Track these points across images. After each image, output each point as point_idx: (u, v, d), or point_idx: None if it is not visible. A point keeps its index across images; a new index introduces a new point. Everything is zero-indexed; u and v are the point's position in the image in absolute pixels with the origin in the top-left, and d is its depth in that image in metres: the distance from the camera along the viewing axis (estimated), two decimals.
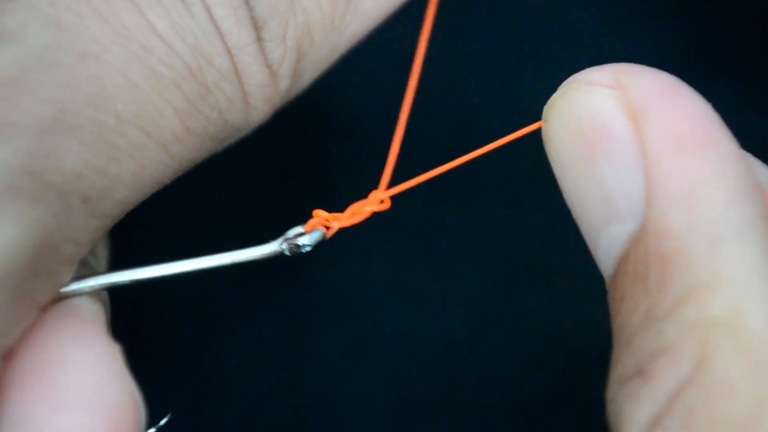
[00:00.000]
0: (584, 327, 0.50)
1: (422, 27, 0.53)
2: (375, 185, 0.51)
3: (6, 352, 0.25)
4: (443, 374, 0.51)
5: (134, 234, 0.46)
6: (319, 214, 0.30)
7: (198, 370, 0.48)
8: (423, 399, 0.50)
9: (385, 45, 0.52)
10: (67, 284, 0.27)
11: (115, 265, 0.30)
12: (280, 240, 0.29)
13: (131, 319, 0.34)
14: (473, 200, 0.51)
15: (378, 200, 0.30)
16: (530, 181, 0.51)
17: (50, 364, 0.25)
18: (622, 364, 0.25)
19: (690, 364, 0.23)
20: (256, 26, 0.27)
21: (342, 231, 0.31)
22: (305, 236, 0.29)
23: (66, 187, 0.24)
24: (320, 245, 0.30)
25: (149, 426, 0.30)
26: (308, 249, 0.29)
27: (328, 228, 0.30)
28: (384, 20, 0.33)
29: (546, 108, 0.27)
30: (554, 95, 0.27)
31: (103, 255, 0.31)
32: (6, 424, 0.24)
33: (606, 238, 0.26)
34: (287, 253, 0.29)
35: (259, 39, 0.27)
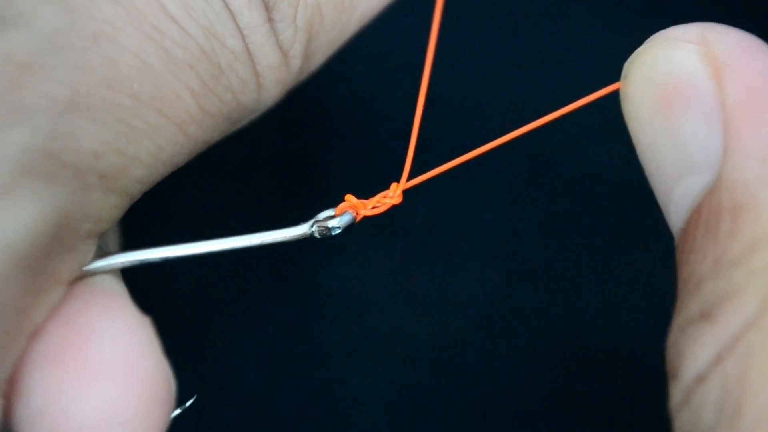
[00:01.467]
0: (584, 327, 0.50)
1: (422, 27, 0.53)
2: (376, 182, 0.51)
3: (34, 329, 0.25)
4: (443, 374, 0.51)
5: (140, 230, 0.46)
6: (350, 199, 0.30)
7: (198, 370, 0.48)
8: (423, 399, 0.50)
9: (385, 45, 0.52)
10: (89, 262, 0.27)
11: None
12: (310, 222, 0.30)
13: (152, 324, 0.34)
14: (473, 200, 0.51)
15: (399, 193, 0.30)
16: (530, 181, 0.51)
17: (83, 336, 0.25)
18: (686, 309, 0.25)
19: (755, 307, 0.23)
20: (267, 7, 0.27)
21: (354, 225, 0.31)
22: (335, 219, 0.30)
23: (84, 166, 0.24)
24: (349, 229, 0.30)
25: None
26: (338, 231, 0.30)
27: (357, 213, 0.30)
28: (390, 5, 0.33)
29: (627, 65, 0.27)
30: (636, 51, 0.27)
31: (113, 243, 0.31)
32: (39, 396, 0.25)
33: (680, 191, 0.26)
34: (317, 235, 0.29)
35: (270, 20, 0.28)
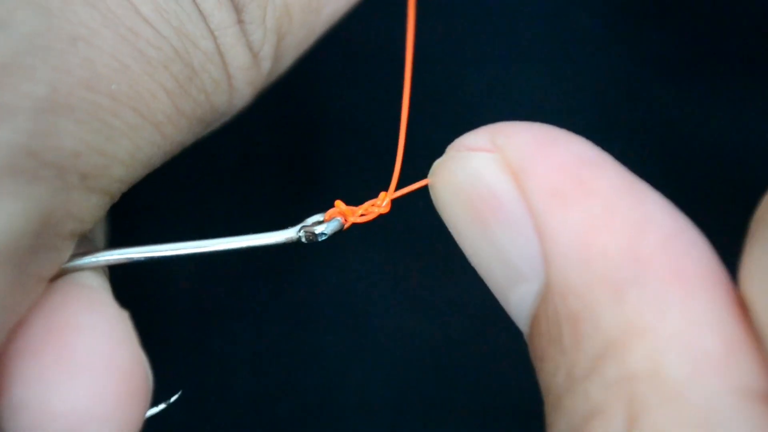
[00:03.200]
0: None
1: (423, 27, 0.53)
2: (374, 183, 0.51)
3: (14, 326, 0.25)
4: (443, 374, 0.51)
5: (138, 230, 0.46)
6: (340, 205, 0.30)
7: (198, 370, 0.48)
8: (423, 399, 0.50)
9: (384, 45, 0.52)
10: (71, 259, 0.27)
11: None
12: (298, 227, 0.30)
13: (130, 318, 0.34)
14: None
15: (387, 202, 0.30)
16: None
17: (62, 329, 0.26)
18: (556, 427, 0.24)
19: (622, 425, 0.22)
20: (237, 8, 0.28)
21: (342, 232, 0.31)
22: (323, 225, 0.30)
23: (65, 165, 0.25)
24: (336, 235, 0.30)
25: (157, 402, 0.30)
26: (324, 237, 0.29)
27: (345, 219, 0.30)
28: (361, 3, 0.33)
29: (430, 175, 0.27)
30: (436, 162, 0.27)
31: (100, 241, 0.31)
32: (20, 389, 0.25)
33: (514, 299, 0.26)
34: (303, 240, 0.29)
35: (240, 21, 0.28)
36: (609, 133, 0.49)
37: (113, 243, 0.34)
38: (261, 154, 0.52)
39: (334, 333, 0.51)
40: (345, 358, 0.50)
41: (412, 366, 0.51)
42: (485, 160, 0.25)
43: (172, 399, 0.32)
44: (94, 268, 0.28)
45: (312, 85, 0.52)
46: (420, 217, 0.51)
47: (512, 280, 0.25)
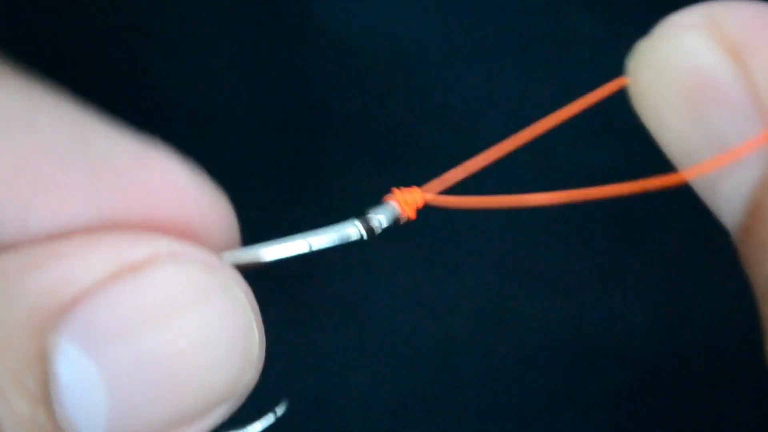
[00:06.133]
0: (584, 327, 0.50)
1: (422, 27, 0.53)
2: (374, 183, 0.51)
3: None
4: (443, 374, 0.51)
5: None
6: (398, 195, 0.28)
7: None
8: (423, 399, 0.50)
9: (384, 45, 0.52)
10: None
11: None
12: (358, 223, 0.28)
13: None
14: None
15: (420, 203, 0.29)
16: (530, 181, 0.51)
17: None
18: None
19: None
20: None
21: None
22: (381, 216, 0.28)
23: None
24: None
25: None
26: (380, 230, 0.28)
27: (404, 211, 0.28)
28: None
29: (632, 61, 0.24)
30: (641, 45, 0.24)
31: None
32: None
33: (728, 187, 0.23)
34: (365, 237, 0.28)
35: None
36: (609, 133, 0.49)
37: None
38: (261, 154, 0.52)
39: (334, 333, 0.51)
40: (345, 357, 0.50)
41: (412, 366, 0.51)
42: (701, 38, 0.23)
43: (279, 412, 0.30)
44: None
45: (312, 85, 0.52)
46: (420, 217, 0.51)
47: (727, 169, 0.23)
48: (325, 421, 0.50)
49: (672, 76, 0.23)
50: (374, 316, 0.51)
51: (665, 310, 0.51)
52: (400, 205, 0.27)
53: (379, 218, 0.27)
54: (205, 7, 0.52)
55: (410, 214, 0.27)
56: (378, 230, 0.27)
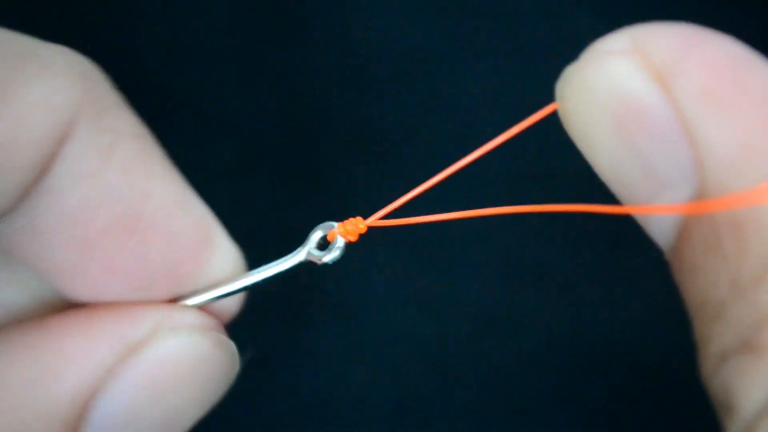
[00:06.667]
0: (584, 327, 0.51)
1: (422, 27, 0.53)
2: (374, 182, 0.51)
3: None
4: (443, 374, 0.51)
5: None
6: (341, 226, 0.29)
7: None
8: (423, 399, 0.50)
9: (384, 45, 0.52)
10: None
11: None
12: (303, 252, 0.29)
13: None
14: (474, 201, 0.51)
15: (363, 228, 0.29)
16: (530, 182, 0.51)
17: None
18: (718, 339, 0.22)
19: None
20: None
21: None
22: (328, 253, 0.29)
23: None
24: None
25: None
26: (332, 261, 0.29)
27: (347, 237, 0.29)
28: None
29: (561, 86, 0.24)
30: (567, 70, 0.24)
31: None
32: None
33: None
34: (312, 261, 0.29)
35: None
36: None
37: None
38: (261, 154, 0.52)
39: (335, 333, 0.51)
40: (345, 357, 0.50)
41: (412, 366, 0.51)
42: (626, 63, 0.23)
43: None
44: None
45: (312, 85, 0.52)
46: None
47: (657, 190, 0.23)
48: (325, 420, 0.50)
49: (599, 103, 0.23)
50: (374, 316, 0.51)
51: (665, 310, 0.51)
52: (342, 236, 0.29)
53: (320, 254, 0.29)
54: (205, 7, 0.52)
55: (353, 239, 0.28)
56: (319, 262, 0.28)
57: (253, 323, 0.50)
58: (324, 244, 0.29)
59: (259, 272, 0.28)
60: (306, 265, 0.29)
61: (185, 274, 0.26)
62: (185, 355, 0.26)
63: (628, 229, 0.53)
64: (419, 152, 0.51)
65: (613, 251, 0.51)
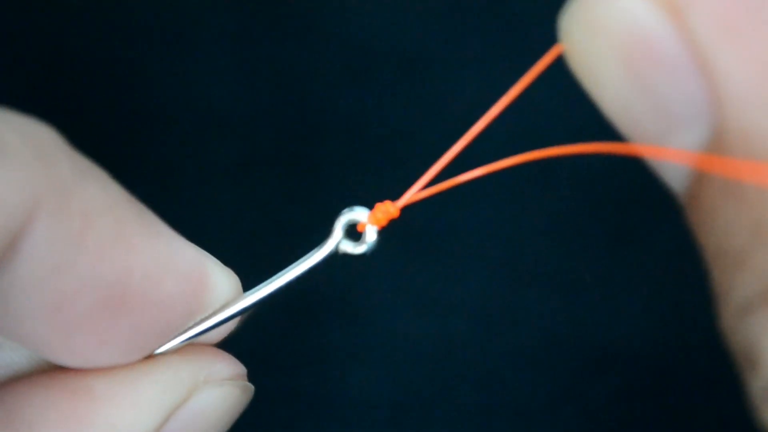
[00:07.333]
0: (584, 327, 0.51)
1: (422, 27, 0.53)
2: (375, 182, 0.51)
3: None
4: (443, 374, 0.51)
5: None
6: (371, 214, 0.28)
7: None
8: (423, 399, 0.50)
9: (384, 45, 0.52)
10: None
11: None
12: (333, 245, 0.28)
13: None
14: (474, 201, 0.51)
15: (395, 212, 0.28)
16: (530, 182, 0.51)
17: None
18: (740, 289, 0.21)
19: None
20: None
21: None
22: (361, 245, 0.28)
23: None
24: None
25: None
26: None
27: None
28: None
29: (565, 20, 0.23)
30: (572, 4, 0.23)
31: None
32: None
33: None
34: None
35: None
36: (608, 133, 0.49)
37: None
38: (261, 154, 0.52)
39: (335, 332, 0.51)
40: (346, 357, 0.50)
41: (412, 366, 0.51)
42: None
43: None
44: None
45: (312, 85, 0.52)
46: (422, 217, 0.51)
47: (670, 130, 0.22)
48: (325, 420, 0.50)
49: (607, 38, 0.22)
50: (375, 317, 0.51)
51: (665, 309, 0.51)
52: (374, 223, 0.28)
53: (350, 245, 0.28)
54: (204, 7, 0.52)
55: (384, 223, 0.28)
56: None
57: (253, 323, 0.50)
58: (349, 234, 0.28)
59: (286, 273, 0.28)
60: (334, 259, 0.28)
61: (183, 321, 0.26)
62: (218, 406, 0.27)
63: (629, 228, 0.53)
64: (420, 152, 0.51)
65: (613, 251, 0.51)
